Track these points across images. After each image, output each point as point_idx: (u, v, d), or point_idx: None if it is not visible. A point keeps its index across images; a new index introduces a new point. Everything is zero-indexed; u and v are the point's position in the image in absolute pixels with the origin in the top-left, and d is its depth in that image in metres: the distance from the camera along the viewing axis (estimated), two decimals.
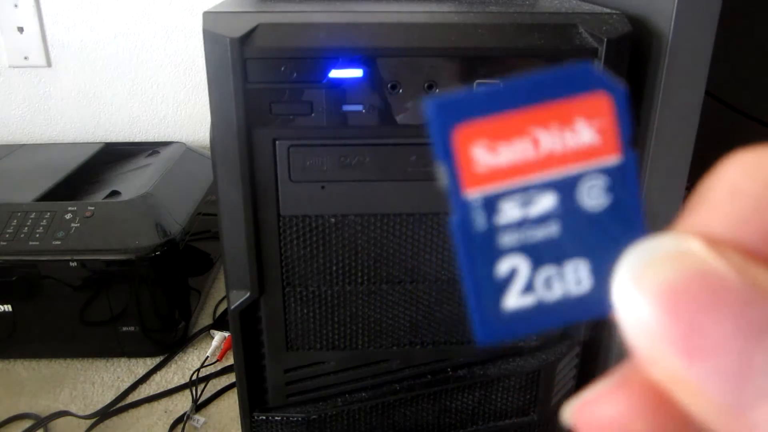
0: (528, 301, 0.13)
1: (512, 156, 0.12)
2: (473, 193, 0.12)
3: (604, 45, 0.40)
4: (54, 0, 0.96)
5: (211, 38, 0.39)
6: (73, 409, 0.64)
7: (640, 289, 0.11)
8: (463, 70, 0.41)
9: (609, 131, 0.12)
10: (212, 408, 0.66)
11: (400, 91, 0.41)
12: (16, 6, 0.95)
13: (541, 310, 0.13)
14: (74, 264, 0.65)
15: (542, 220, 0.12)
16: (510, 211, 0.12)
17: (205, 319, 0.79)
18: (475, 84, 0.41)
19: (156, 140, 1.04)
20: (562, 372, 0.53)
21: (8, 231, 0.67)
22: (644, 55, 0.44)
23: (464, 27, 0.41)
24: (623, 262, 0.12)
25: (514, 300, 0.13)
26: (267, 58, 0.40)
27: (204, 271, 0.83)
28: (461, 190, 0.12)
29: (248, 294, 0.46)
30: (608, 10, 0.43)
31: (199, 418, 0.64)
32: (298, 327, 0.48)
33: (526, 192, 0.12)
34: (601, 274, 0.12)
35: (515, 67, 0.41)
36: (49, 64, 1.00)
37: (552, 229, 0.12)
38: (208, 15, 0.40)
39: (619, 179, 0.12)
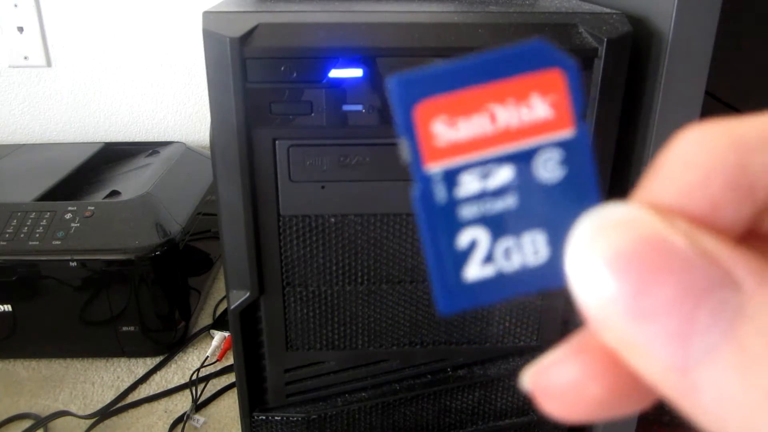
0: (488, 271, 0.13)
1: (471, 131, 0.13)
2: (434, 167, 0.13)
3: (604, 45, 0.40)
4: (54, 0, 0.96)
5: (211, 38, 0.39)
6: (73, 409, 0.64)
7: (590, 256, 0.11)
8: None
9: (562, 106, 0.13)
10: (212, 408, 0.66)
11: None
12: (16, 6, 0.95)
13: (500, 280, 0.13)
14: (74, 264, 0.65)
15: (500, 192, 0.13)
16: (469, 184, 0.13)
17: (205, 319, 0.79)
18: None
19: (156, 140, 1.04)
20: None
21: (8, 231, 0.67)
22: (644, 55, 0.44)
23: (464, 27, 0.41)
24: (576, 231, 0.12)
25: (474, 270, 0.13)
26: (267, 57, 0.40)
27: (204, 271, 0.83)
28: (422, 164, 0.13)
29: (248, 294, 0.46)
30: (608, 10, 0.43)
31: (199, 418, 0.64)
32: (298, 327, 0.48)
33: (485, 165, 0.13)
34: (558, 245, 0.13)
35: None
36: (49, 64, 1.00)
37: (510, 201, 0.13)
38: (208, 15, 0.40)
39: (573, 152, 0.13)
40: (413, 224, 0.45)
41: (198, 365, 0.70)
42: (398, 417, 0.53)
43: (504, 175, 0.13)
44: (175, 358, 0.72)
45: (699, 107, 0.43)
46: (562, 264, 0.12)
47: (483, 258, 0.13)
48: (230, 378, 0.69)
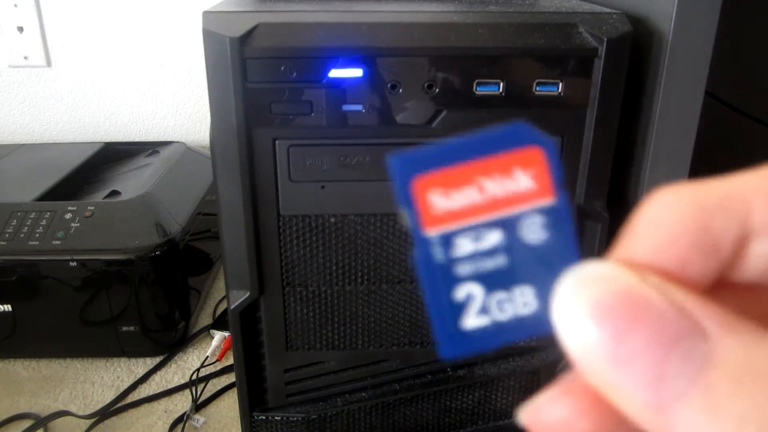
0: (484, 321, 0.15)
1: (463, 200, 0.14)
2: (432, 232, 0.15)
3: (604, 45, 0.40)
4: (54, 0, 0.96)
5: (211, 38, 0.39)
6: (73, 409, 0.64)
7: (573, 307, 0.13)
8: (463, 70, 0.41)
9: (543, 178, 0.15)
10: (212, 408, 0.66)
11: (400, 91, 0.41)
12: (16, 6, 0.95)
13: (495, 328, 0.15)
14: (74, 264, 0.65)
15: (492, 252, 0.15)
16: (464, 246, 0.15)
17: (205, 319, 0.79)
18: (474, 85, 0.41)
19: (156, 140, 1.04)
20: (562, 372, 0.53)
21: (8, 231, 0.67)
22: (644, 55, 0.44)
23: (464, 27, 0.41)
24: (561, 285, 0.13)
25: (471, 321, 0.15)
26: (267, 57, 0.40)
27: (204, 271, 0.83)
28: (422, 230, 0.14)
29: (248, 294, 0.46)
30: (608, 10, 0.43)
31: (199, 418, 0.64)
32: (298, 327, 0.48)
33: (477, 230, 0.15)
34: (545, 297, 0.15)
35: (515, 67, 0.41)
36: (49, 64, 1.00)
37: (500, 260, 0.15)
38: (208, 14, 0.40)
39: (554, 217, 0.15)
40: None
41: (198, 365, 0.70)
42: (398, 417, 0.52)
43: (494, 237, 0.15)
44: (175, 358, 0.72)
45: (699, 107, 0.43)
46: (550, 314, 0.14)
47: (479, 309, 0.15)
48: (230, 378, 0.69)
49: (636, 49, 0.43)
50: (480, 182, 0.14)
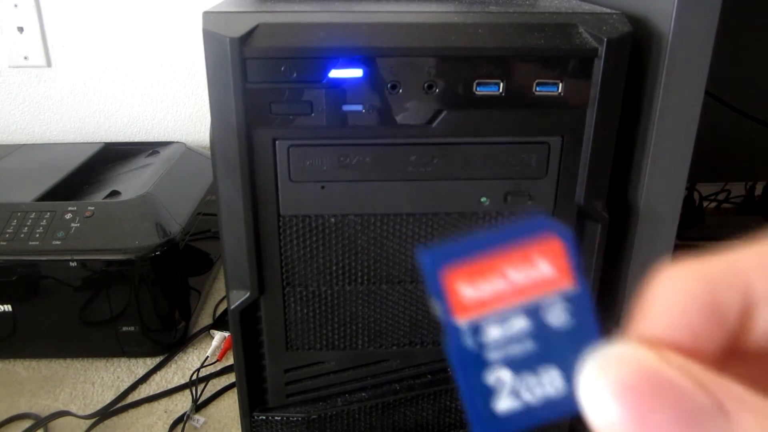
0: (515, 403, 0.15)
1: (490, 289, 0.15)
2: (462, 320, 0.15)
3: (604, 45, 0.40)
4: (54, 0, 0.96)
5: (211, 38, 0.39)
6: (73, 409, 0.64)
7: (598, 387, 0.13)
8: (463, 70, 0.41)
9: (562, 266, 0.16)
10: (212, 408, 0.66)
11: (400, 91, 0.41)
12: (16, 6, 0.95)
13: (526, 410, 0.15)
14: (74, 264, 0.65)
15: (519, 337, 0.16)
16: (493, 332, 0.15)
17: (205, 319, 0.79)
18: (474, 85, 0.41)
19: (156, 140, 1.04)
20: None
21: (8, 231, 0.67)
22: (644, 55, 0.44)
23: (464, 27, 0.41)
24: (585, 367, 0.14)
25: (503, 403, 0.15)
26: (267, 58, 0.40)
27: (204, 271, 0.83)
28: (452, 318, 0.15)
29: (248, 294, 0.46)
30: (608, 10, 0.43)
31: (199, 418, 0.64)
32: (298, 327, 0.48)
33: (504, 316, 0.15)
34: (570, 378, 0.15)
35: (515, 67, 0.41)
36: (49, 64, 1.00)
37: (528, 345, 0.16)
38: (208, 15, 0.40)
39: (575, 302, 0.16)
40: (413, 224, 0.45)
41: (198, 365, 0.70)
42: (398, 417, 0.53)
43: (520, 323, 0.16)
44: (175, 358, 0.72)
45: (699, 107, 0.43)
46: (576, 394, 0.15)
47: (509, 392, 0.15)
48: (230, 378, 0.69)
49: (636, 49, 0.43)
50: (505, 272, 0.15)
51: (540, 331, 0.15)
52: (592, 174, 0.44)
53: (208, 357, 0.72)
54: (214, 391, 0.67)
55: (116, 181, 0.83)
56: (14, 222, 0.68)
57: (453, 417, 0.53)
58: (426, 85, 0.41)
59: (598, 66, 0.41)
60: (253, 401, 0.51)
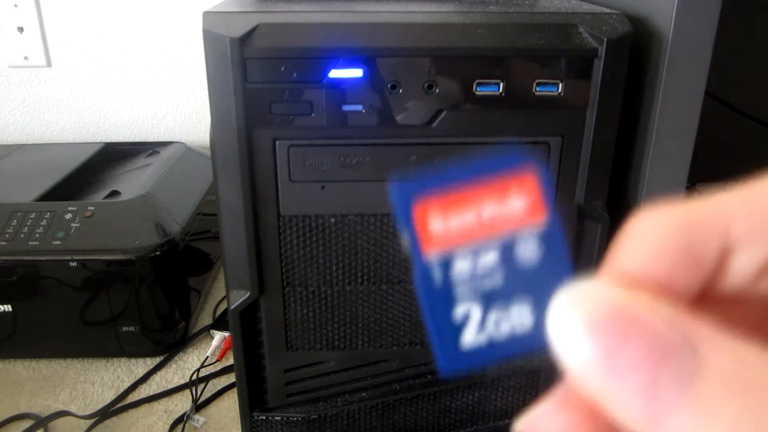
0: (482, 338, 0.15)
1: (461, 223, 0.15)
2: (431, 254, 0.15)
3: (604, 45, 0.40)
4: (54, 0, 0.96)
5: (211, 38, 0.39)
6: (73, 409, 0.64)
7: (569, 323, 0.13)
8: (463, 70, 0.41)
9: (536, 200, 0.15)
10: (212, 408, 0.66)
11: (400, 91, 0.41)
12: (16, 6, 0.95)
13: (493, 345, 0.15)
14: (74, 264, 0.65)
15: (489, 272, 0.15)
16: (462, 267, 0.15)
17: (205, 319, 0.79)
18: (474, 85, 0.41)
19: (156, 140, 1.04)
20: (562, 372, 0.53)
21: (8, 231, 0.67)
22: (644, 55, 0.44)
23: (464, 27, 0.41)
24: (555, 303, 0.14)
25: (470, 338, 0.15)
26: (267, 58, 0.39)
27: (204, 271, 0.83)
28: (421, 251, 0.15)
29: (248, 294, 0.46)
30: (608, 10, 0.43)
31: (199, 418, 0.64)
32: (298, 327, 0.48)
33: (474, 251, 0.15)
34: (540, 314, 0.15)
35: (515, 67, 0.41)
36: (49, 64, 1.00)
37: (497, 280, 0.15)
38: (208, 15, 0.40)
39: (547, 237, 0.15)
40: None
41: (198, 365, 0.70)
42: (398, 417, 0.53)
43: (490, 258, 0.15)
44: (175, 358, 0.72)
45: (699, 107, 0.43)
46: (545, 330, 0.14)
47: (477, 328, 0.15)
48: (230, 378, 0.69)
49: (636, 49, 0.43)
50: (476, 205, 0.15)
51: (510, 266, 0.15)
52: (592, 174, 0.44)
53: (208, 357, 0.72)
54: (214, 391, 0.67)
55: (116, 181, 0.83)
56: (14, 222, 0.68)
57: (453, 417, 0.53)
58: (426, 85, 0.41)
59: (598, 66, 0.41)
60: (253, 401, 0.51)
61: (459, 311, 0.15)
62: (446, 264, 0.15)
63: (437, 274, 0.15)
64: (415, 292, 0.47)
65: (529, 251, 0.15)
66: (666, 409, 0.12)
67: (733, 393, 0.12)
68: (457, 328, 0.15)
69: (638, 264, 0.14)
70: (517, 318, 0.15)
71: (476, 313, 0.15)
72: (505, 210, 0.15)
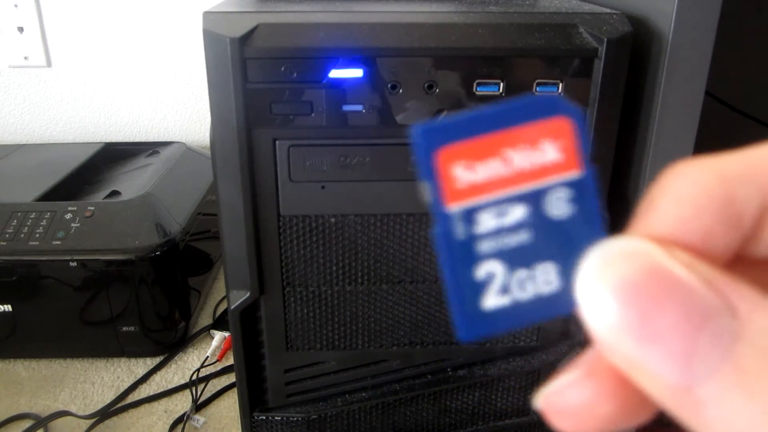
0: (504, 300, 0.14)
1: (487, 173, 0.14)
2: (454, 206, 0.14)
3: (604, 45, 0.40)
4: (54, 0, 0.96)
5: (211, 38, 0.39)
6: (73, 409, 0.64)
7: (600, 285, 0.12)
8: (463, 70, 0.41)
9: (570, 150, 0.14)
10: (212, 408, 0.66)
11: (400, 91, 0.41)
12: (16, 6, 0.95)
13: (516, 308, 0.14)
14: (74, 264, 0.65)
15: (515, 228, 0.14)
16: (486, 222, 0.14)
17: (205, 319, 0.79)
18: (474, 85, 0.41)
19: (156, 140, 1.04)
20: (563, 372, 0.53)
21: (8, 231, 0.67)
22: (644, 55, 0.44)
23: (464, 27, 0.41)
24: (585, 263, 0.13)
25: (492, 300, 0.14)
26: (267, 58, 0.39)
27: (204, 271, 0.83)
28: (443, 204, 0.14)
29: (248, 294, 0.46)
30: (608, 10, 0.43)
31: (199, 418, 0.64)
32: (298, 327, 0.48)
33: (501, 204, 0.14)
34: (568, 275, 0.14)
35: (515, 67, 0.41)
36: (49, 64, 1.00)
37: (524, 237, 0.14)
38: (208, 15, 0.40)
39: (580, 191, 0.14)
40: (413, 224, 0.45)
41: (198, 365, 0.70)
42: (398, 417, 0.53)
43: (518, 212, 0.14)
44: (175, 358, 0.72)
45: (699, 107, 0.43)
46: (572, 293, 0.13)
47: (499, 288, 0.14)
48: (230, 378, 0.69)
49: (636, 49, 0.43)
50: (505, 154, 0.14)
51: (538, 221, 0.14)
52: None
53: (208, 357, 0.72)
54: (214, 391, 0.67)
55: (116, 181, 0.83)
56: (14, 222, 0.68)
57: (453, 417, 0.53)
58: (426, 85, 0.41)
59: (598, 66, 0.41)
60: (253, 401, 0.51)
61: (481, 270, 0.14)
62: (469, 218, 0.14)
63: (459, 229, 0.14)
64: (415, 290, 0.47)
65: (559, 206, 0.14)
66: (703, 377, 0.11)
67: None
68: (479, 289, 0.14)
69: (673, 221, 0.13)
70: (542, 279, 0.14)
71: (500, 272, 0.14)
72: (536, 159, 0.14)
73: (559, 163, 0.14)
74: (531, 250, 0.14)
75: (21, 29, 0.97)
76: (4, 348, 0.70)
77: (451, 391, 0.52)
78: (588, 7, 0.45)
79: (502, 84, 0.41)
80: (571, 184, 0.14)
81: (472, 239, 0.14)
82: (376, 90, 0.41)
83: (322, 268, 0.46)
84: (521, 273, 0.14)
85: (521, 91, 0.41)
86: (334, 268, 0.46)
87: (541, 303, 0.14)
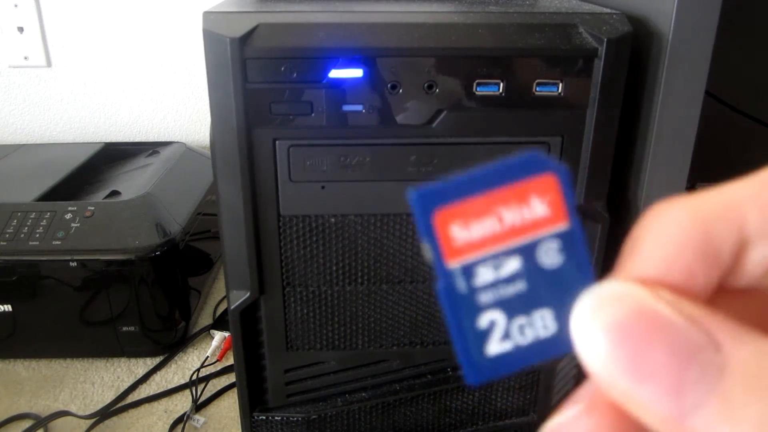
0: (506, 346, 0.15)
1: (482, 231, 0.15)
2: (453, 263, 0.15)
3: (604, 45, 0.40)
4: (54, 0, 0.96)
5: (211, 38, 0.39)
6: (73, 409, 0.64)
7: (593, 327, 0.13)
8: (463, 70, 0.41)
9: (557, 204, 0.15)
10: (212, 408, 0.66)
11: (400, 91, 0.41)
12: (16, 6, 0.95)
13: (518, 352, 0.15)
14: (74, 264, 0.65)
15: (511, 279, 0.15)
16: (484, 275, 0.15)
17: (205, 319, 0.79)
18: (474, 85, 0.41)
19: (156, 140, 1.04)
20: (562, 372, 0.53)
21: (8, 231, 0.67)
22: (644, 55, 0.44)
23: (464, 27, 0.41)
24: (578, 307, 0.14)
25: (495, 346, 0.15)
26: (267, 58, 0.39)
27: (204, 271, 0.83)
28: (444, 261, 0.15)
29: (248, 294, 0.46)
30: (608, 10, 0.43)
31: (199, 418, 0.64)
32: (298, 327, 0.48)
33: (496, 258, 0.15)
34: (563, 319, 0.15)
35: (515, 67, 0.41)
36: (49, 64, 1.00)
37: (520, 286, 0.15)
38: (208, 15, 0.40)
39: (569, 241, 0.15)
40: (413, 224, 0.45)
41: (198, 365, 0.70)
42: (398, 417, 0.53)
43: (513, 264, 0.15)
44: (175, 358, 0.72)
45: (699, 107, 0.43)
46: (569, 334, 0.14)
47: (501, 335, 0.15)
48: (230, 378, 0.69)
49: (636, 49, 0.43)
50: (498, 212, 0.15)
51: (532, 271, 0.15)
52: (592, 174, 0.44)
53: (208, 357, 0.72)
54: (214, 391, 0.67)
55: (116, 181, 0.83)
56: (14, 222, 0.68)
57: (453, 417, 0.53)
58: (426, 85, 0.41)
59: (598, 66, 0.41)
60: (253, 401, 0.51)
61: (483, 320, 0.15)
62: (469, 272, 0.15)
63: (460, 283, 0.15)
64: (415, 290, 0.47)
65: (551, 256, 0.15)
66: (692, 410, 0.12)
67: (758, 390, 0.12)
68: (482, 337, 0.15)
69: (657, 261, 0.14)
70: (540, 324, 0.15)
71: (500, 320, 0.15)
72: (526, 215, 0.15)
73: (548, 217, 0.15)
74: (528, 297, 0.15)
75: (21, 29, 0.97)
76: (4, 348, 0.70)
77: (451, 391, 0.52)
78: (588, 7, 0.45)
79: (502, 84, 0.41)
80: (560, 236, 0.15)
81: (472, 292, 0.15)
82: (376, 90, 0.41)
83: (322, 268, 0.46)
84: (520, 319, 0.15)
85: (521, 91, 0.41)
86: (334, 268, 0.46)
87: (540, 346, 0.15)
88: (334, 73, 0.40)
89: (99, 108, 1.03)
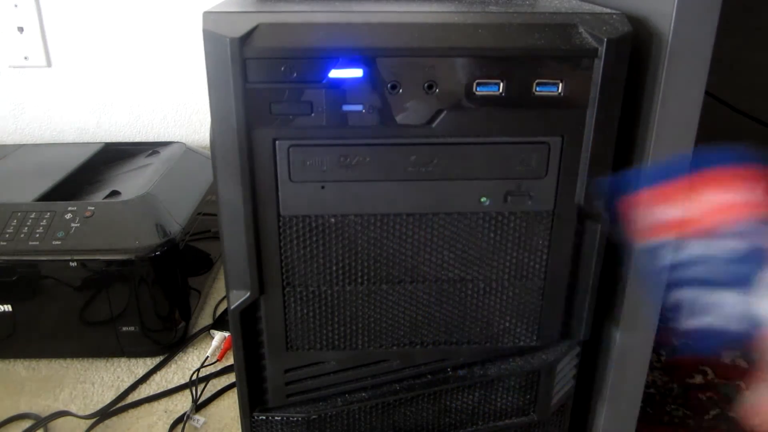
0: (700, 322, 0.16)
1: (682, 212, 0.16)
2: (653, 240, 0.16)
3: (604, 45, 0.40)
4: (54, 0, 0.96)
5: (211, 38, 0.39)
6: (73, 409, 0.64)
7: None
8: (463, 70, 0.41)
9: (757, 193, 0.16)
10: (212, 408, 0.66)
11: (400, 91, 0.41)
12: (16, 6, 0.95)
13: (709, 328, 0.16)
14: (74, 264, 0.65)
15: (704, 259, 0.16)
16: (682, 253, 0.16)
17: (205, 319, 0.79)
18: (474, 85, 0.41)
19: (156, 140, 1.04)
20: (562, 372, 0.53)
21: (8, 231, 0.67)
22: (644, 55, 0.44)
23: (464, 27, 0.41)
24: (763, 287, 0.14)
25: (689, 322, 0.16)
26: (267, 58, 0.40)
27: (204, 271, 0.83)
28: (645, 238, 0.15)
29: (248, 294, 0.46)
30: (608, 10, 0.43)
31: (199, 418, 0.64)
32: (298, 327, 0.48)
33: (692, 239, 0.16)
34: (750, 297, 0.15)
35: (515, 67, 0.41)
36: (49, 64, 1.00)
37: (711, 267, 0.16)
38: (208, 15, 0.40)
39: (762, 226, 0.16)
40: (413, 224, 0.45)
41: (198, 365, 0.70)
42: (398, 417, 0.53)
43: (706, 245, 0.16)
44: (175, 358, 0.72)
45: (699, 107, 0.43)
46: (756, 312, 0.15)
47: (692, 312, 0.16)
48: (230, 378, 0.69)
49: (636, 49, 0.43)
50: (698, 195, 0.16)
51: (723, 253, 0.15)
52: (592, 174, 0.44)
53: (208, 357, 0.72)
54: (214, 391, 0.67)
55: (116, 181, 0.83)
56: (14, 222, 0.68)
57: (453, 417, 0.53)
58: (426, 85, 0.41)
59: (598, 66, 0.41)
60: (253, 401, 0.51)
61: (677, 294, 0.16)
62: (667, 250, 0.16)
63: (658, 260, 0.16)
64: (415, 290, 0.47)
65: (744, 239, 0.16)
66: None
67: None
68: (677, 312, 0.16)
69: None
70: (730, 302, 0.15)
71: (692, 298, 0.16)
72: (725, 199, 0.16)
73: (747, 204, 0.16)
74: (716, 277, 0.16)
75: (21, 29, 0.97)
76: (4, 348, 0.71)
77: (451, 391, 0.52)
78: (588, 7, 0.45)
79: (502, 84, 0.41)
80: (756, 222, 0.16)
81: (669, 268, 0.16)
82: (376, 90, 0.41)
83: (322, 268, 0.46)
84: (710, 296, 0.16)
85: (521, 91, 0.41)
86: (334, 268, 0.46)
87: (728, 323, 0.16)
88: (334, 73, 0.40)
89: (99, 108, 1.03)
